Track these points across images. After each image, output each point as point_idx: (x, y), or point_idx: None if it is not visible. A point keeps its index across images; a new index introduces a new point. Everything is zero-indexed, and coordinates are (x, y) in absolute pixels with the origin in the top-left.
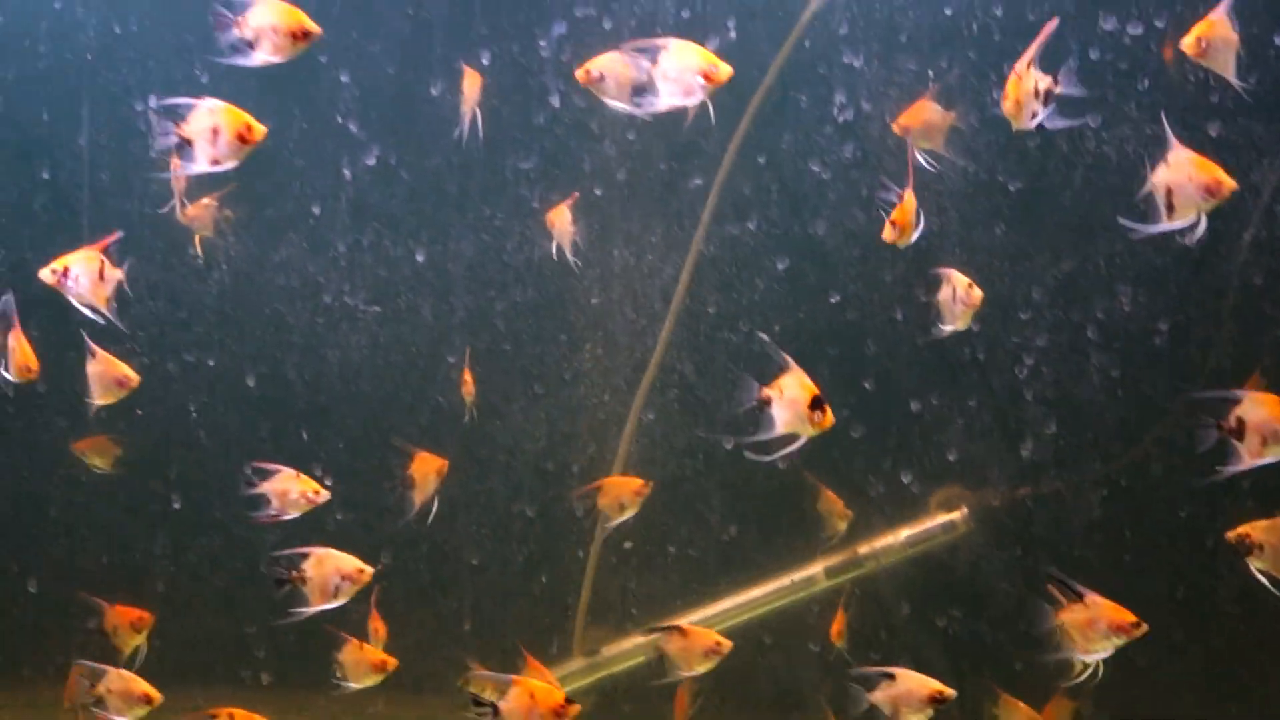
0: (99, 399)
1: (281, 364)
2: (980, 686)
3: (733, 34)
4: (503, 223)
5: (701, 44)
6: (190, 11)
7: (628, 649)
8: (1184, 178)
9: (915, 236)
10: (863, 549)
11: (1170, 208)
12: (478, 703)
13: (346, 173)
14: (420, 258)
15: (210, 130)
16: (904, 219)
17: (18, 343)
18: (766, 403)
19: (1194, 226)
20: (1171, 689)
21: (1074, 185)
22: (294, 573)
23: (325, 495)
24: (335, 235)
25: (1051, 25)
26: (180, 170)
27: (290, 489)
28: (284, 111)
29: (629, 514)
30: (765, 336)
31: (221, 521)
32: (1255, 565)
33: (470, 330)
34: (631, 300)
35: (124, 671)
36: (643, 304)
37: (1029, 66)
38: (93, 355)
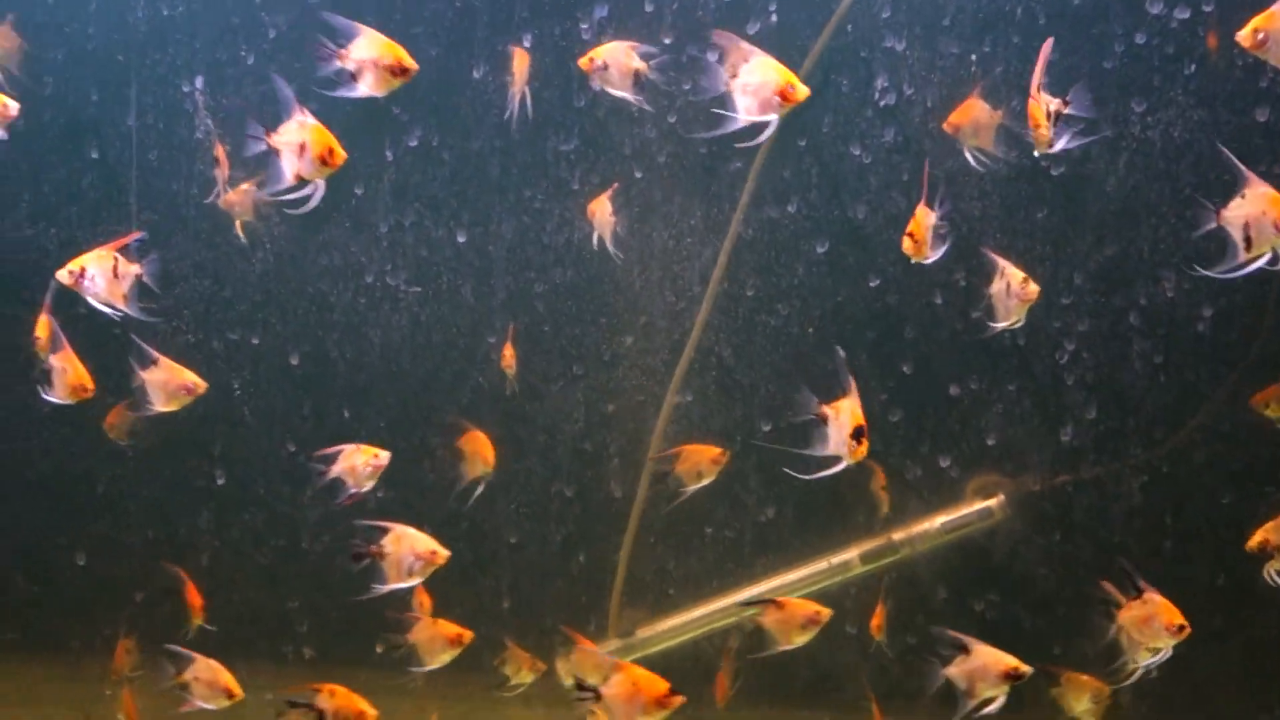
0: (162, 407)
1: (323, 343)
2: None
3: (774, 17)
4: (543, 204)
5: (743, 27)
6: None
7: (663, 630)
8: (1261, 212)
9: (937, 255)
10: (898, 535)
11: (1248, 241)
12: (580, 686)
13: (389, 154)
14: (461, 239)
15: (298, 145)
16: (919, 232)
17: (69, 364)
18: (822, 420)
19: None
20: (1211, 677)
21: (1118, 170)
22: (374, 548)
23: (387, 455)
24: (378, 216)
25: (1048, 46)
26: (262, 183)
27: (356, 462)
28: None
29: (705, 481)
30: (841, 352)
31: (264, 498)
32: (1276, 569)
33: (510, 311)
34: (671, 283)
35: (212, 662)
36: (682, 286)
37: (1039, 90)
38: (154, 363)
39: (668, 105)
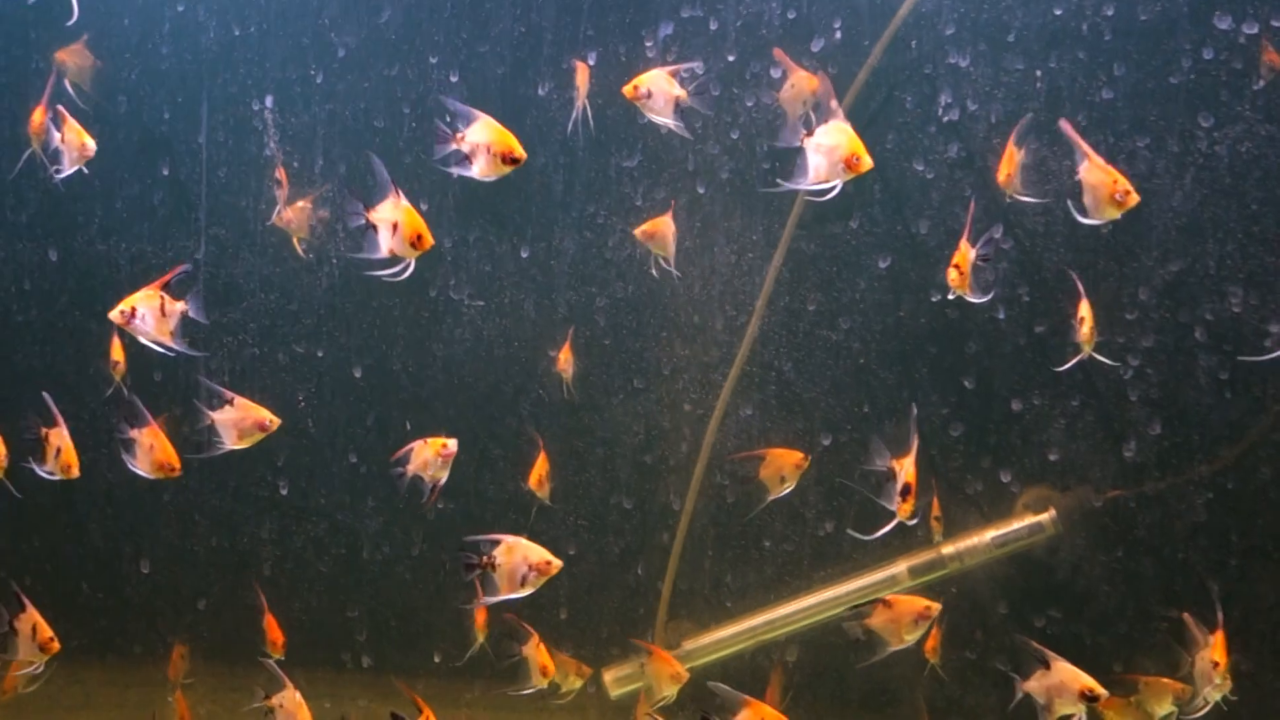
0: (235, 444)
1: (387, 356)
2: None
3: (838, 34)
4: (605, 220)
5: (806, 44)
6: (305, 16)
7: (709, 643)
8: None
9: (985, 298)
10: (947, 549)
11: None
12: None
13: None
14: (524, 253)
15: (392, 224)
16: (964, 264)
17: (62, 441)
18: (890, 476)
19: None
20: (1278, 695)
21: (1184, 186)
22: (485, 558)
23: (455, 442)
24: (441, 231)
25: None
26: (317, 201)
27: (427, 456)
28: (394, 111)
29: (788, 488)
30: (915, 410)
31: (325, 508)
32: None
33: (571, 324)
34: (731, 297)
35: (297, 695)
36: (742, 301)
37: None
38: (229, 403)
39: (727, 121)
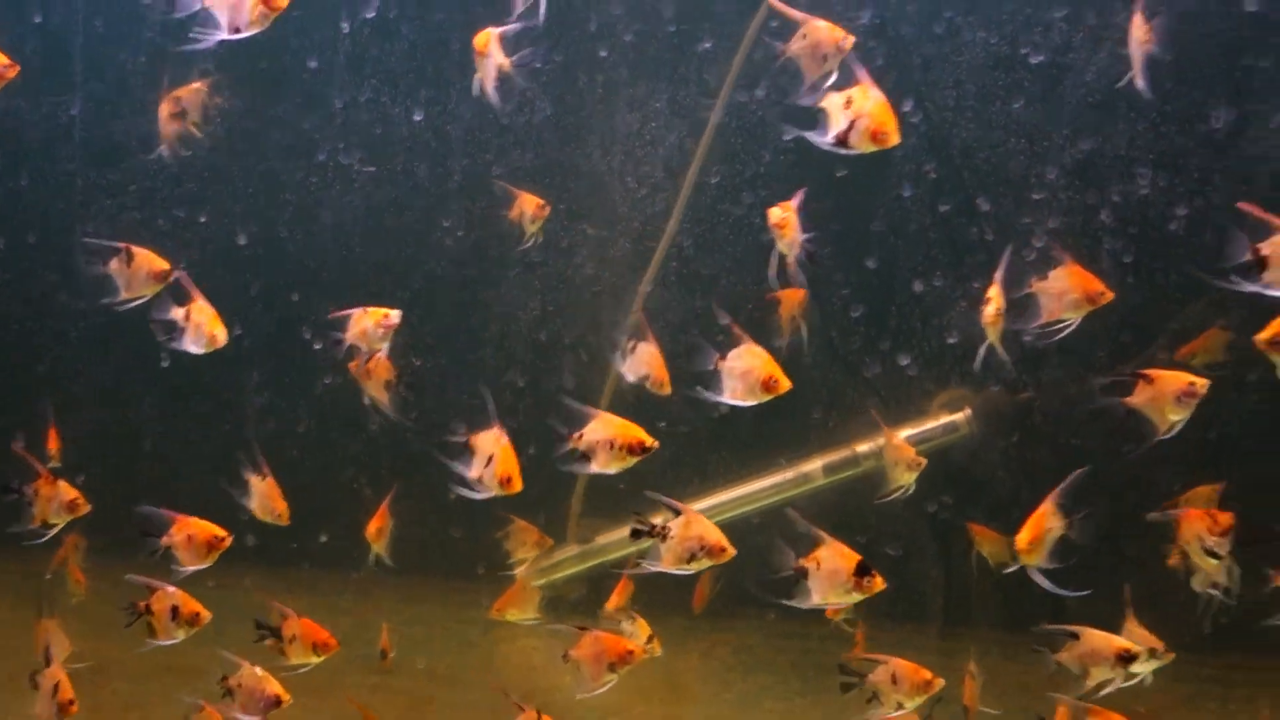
0: (130, 294)
1: (273, 223)
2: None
3: None
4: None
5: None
6: None
7: (623, 538)
8: None
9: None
10: (861, 448)
11: None
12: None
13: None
14: (418, 117)
15: (486, 459)
16: (998, 302)
17: (202, 313)
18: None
19: None
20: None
21: None
22: (659, 526)
23: (397, 313)
24: (332, 92)
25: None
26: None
27: (366, 326)
28: None
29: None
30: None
31: (209, 384)
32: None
33: (467, 194)
34: (634, 169)
35: (259, 670)
36: (646, 172)
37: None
38: (123, 253)
39: None
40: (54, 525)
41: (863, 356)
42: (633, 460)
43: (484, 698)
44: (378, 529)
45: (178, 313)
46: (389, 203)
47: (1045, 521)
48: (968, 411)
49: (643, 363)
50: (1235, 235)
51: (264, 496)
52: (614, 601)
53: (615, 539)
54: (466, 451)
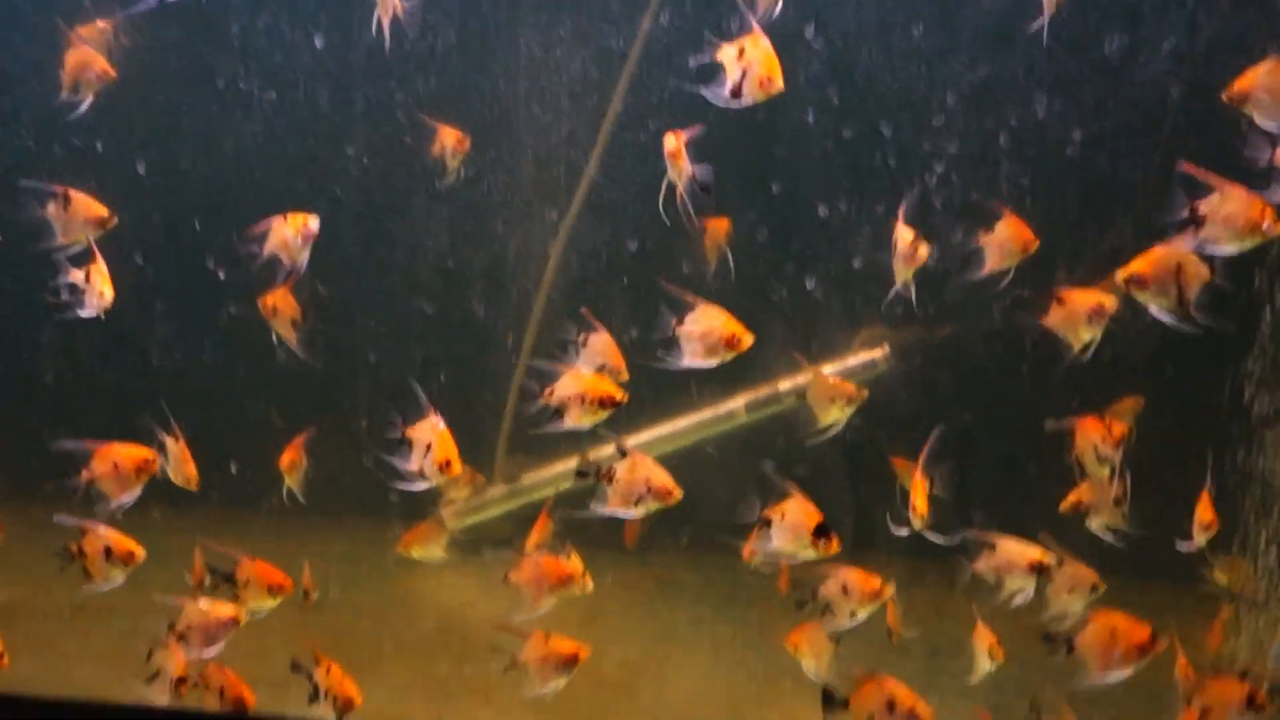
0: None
1: (173, 152)
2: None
3: None
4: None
5: None
6: None
7: (551, 476)
8: None
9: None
10: (784, 385)
11: None
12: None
13: None
14: (319, 44)
15: (425, 445)
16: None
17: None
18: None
19: None
20: None
21: None
22: (604, 469)
23: (316, 220)
24: (230, 18)
25: None
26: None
27: (285, 236)
28: None
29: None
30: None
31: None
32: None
33: (371, 122)
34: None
35: (204, 605)
36: (550, 100)
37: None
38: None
39: None
40: None
41: (770, 281)
42: (604, 414)
43: (409, 630)
44: (291, 462)
45: (78, 275)
46: (291, 130)
47: (927, 489)
48: (886, 348)
49: (597, 353)
50: (1174, 192)
51: (176, 459)
52: (534, 539)
53: (544, 477)
54: (404, 445)
